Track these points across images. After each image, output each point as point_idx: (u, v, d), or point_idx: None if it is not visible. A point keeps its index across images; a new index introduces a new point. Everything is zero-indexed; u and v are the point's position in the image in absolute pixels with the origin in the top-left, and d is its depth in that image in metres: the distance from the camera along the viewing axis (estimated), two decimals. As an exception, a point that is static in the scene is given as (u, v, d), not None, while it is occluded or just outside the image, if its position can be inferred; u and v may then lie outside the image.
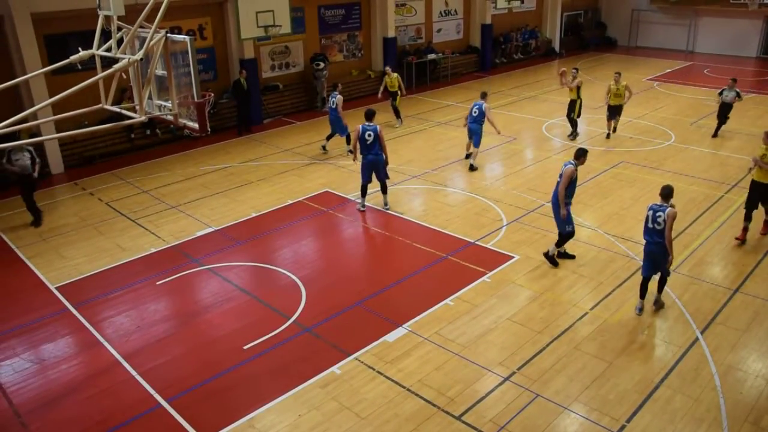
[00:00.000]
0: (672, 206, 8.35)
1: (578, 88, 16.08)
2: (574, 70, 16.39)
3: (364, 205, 12.50)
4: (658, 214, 8.31)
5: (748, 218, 10.78)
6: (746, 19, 27.59)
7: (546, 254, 10.23)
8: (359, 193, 12.51)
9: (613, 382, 7.48)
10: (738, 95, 16.06)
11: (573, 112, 16.44)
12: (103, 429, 6.97)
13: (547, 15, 29.15)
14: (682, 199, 12.61)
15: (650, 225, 8.42)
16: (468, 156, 14.82)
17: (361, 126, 11.97)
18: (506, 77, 24.95)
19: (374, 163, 12.03)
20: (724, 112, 16.37)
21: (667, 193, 8.45)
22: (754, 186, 10.69)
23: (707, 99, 20.43)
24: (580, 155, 9.79)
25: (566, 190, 9.66)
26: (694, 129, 17.32)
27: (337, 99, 15.10)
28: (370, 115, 12.16)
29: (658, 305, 8.92)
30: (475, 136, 14.35)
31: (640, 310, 8.83)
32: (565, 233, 10.00)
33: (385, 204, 12.48)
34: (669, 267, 8.62)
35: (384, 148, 12.01)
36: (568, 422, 6.89)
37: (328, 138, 15.90)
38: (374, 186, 12.40)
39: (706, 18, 28.91)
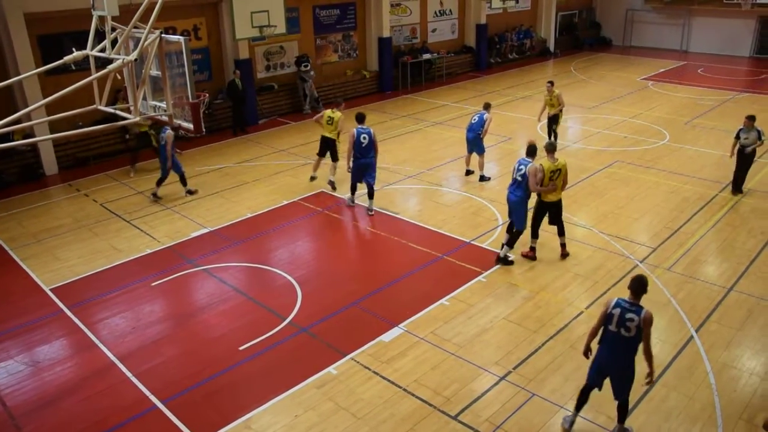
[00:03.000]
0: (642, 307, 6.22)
1: (559, 100, 15.40)
2: (548, 84, 15.68)
3: (353, 201, 12.64)
4: (628, 316, 6.14)
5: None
6: (740, 19, 27.70)
7: (499, 258, 10.21)
8: (350, 192, 12.63)
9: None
10: (760, 137, 12.22)
11: (555, 124, 15.64)
12: (99, 431, 6.95)
13: (541, 15, 29.18)
14: (676, 198, 12.67)
15: (614, 328, 6.23)
16: (469, 173, 14.05)
17: (355, 129, 11.83)
18: (501, 77, 24.99)
19: (367, 166, 11.98)
20: (743, 160, 12.48)
21: (638, 287, 6.23)
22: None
23: (701, 99, 20.51)
24: (534, 152, 10.03)
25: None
26: (688, 128, 17.37)
27: (166, 135, 12.48)
28: (361, 118, 12.06)
29: None
30: (476, 146, 13.60)
31: (571, 424, 6.76)
32: (522, 230, 10.11)
33: (369, 209, 12.32)
34: (648, 380, 6.34)
35: (377, 152, 12.02)
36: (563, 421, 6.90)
37: (159, 182, 13.10)
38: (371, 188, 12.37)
39: (700, 18, 29.00)
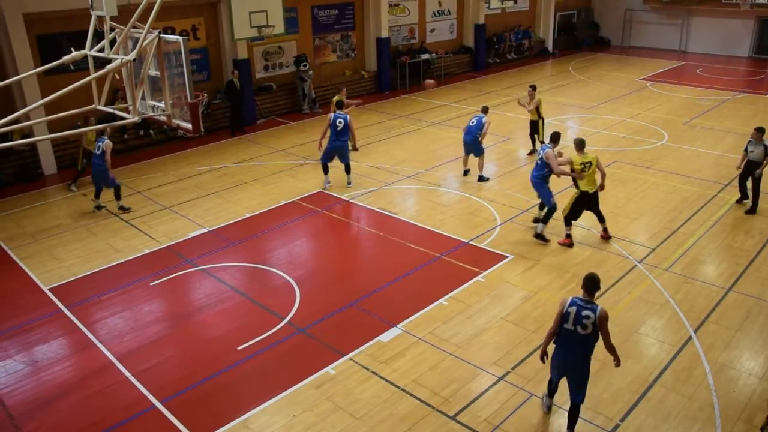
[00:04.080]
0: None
1: (537, 108, 14.91)
2: (530, 88, 15.08)
3: (329, 182, 13.67)
4: (584, 314, 6.22)
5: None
6: (738, 19, 27.72)
7: (536, 234, 11.01)
8: (323, 173, 13.65)
9: (607, 381, 7.51)
10: (767, 153, 11.51)
11: (537, 133, 15.15)
12: (97, 430, 6.95)
13: (540, 15, 29.19)
14: (675, 198, 12.68)
15: (570, 326, 6.29)
16: (466, 172, 14.08)
17: (332, 114, 13.12)
18: (499, 77, 24.99)
19: (340, 148, 13.24)
20: (749, 171, 11.81)
21: (591, 285, 6.36)
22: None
23: (700, 99, 20.52)
24: (557, 138, 11.13)
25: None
26: (687, 128, 17.38)
27: (104, 144, 12.18)
28: (340, 105, 13.50)
29: None
30: (474, 148, 13.61)
31: (549, 408, 7.05)
32: (553, 206, 10.91)
33: (348, 183, 13.63)
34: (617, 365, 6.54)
35: (353, 136, 13.59)
36: (562, 422, 6.90)
37: (97, 195, 12.70)
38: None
39: (698, 18, 29.02)
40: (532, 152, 15.24)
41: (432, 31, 24.99)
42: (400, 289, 9.69)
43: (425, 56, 23.68)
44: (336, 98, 14.03)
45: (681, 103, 20.13)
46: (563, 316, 6.32)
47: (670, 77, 24.24)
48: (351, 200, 12.97)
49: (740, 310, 8.92)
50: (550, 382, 6.91)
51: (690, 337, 8.32)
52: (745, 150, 11.85)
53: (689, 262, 10.26)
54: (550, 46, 29.43)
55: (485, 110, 13.73)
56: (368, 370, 7.81)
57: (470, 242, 11.05)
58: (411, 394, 7.36)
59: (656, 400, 7.20)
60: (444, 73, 24.68)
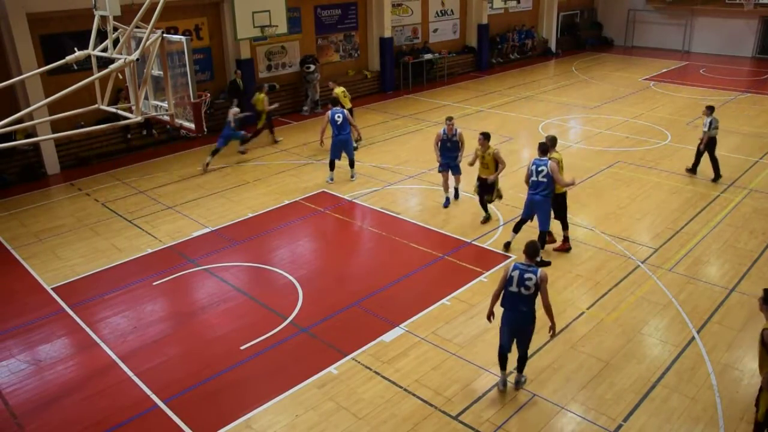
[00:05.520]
0: (542, 265, 7.04)
1: (496, 162, 11.05)
2: (481, 136, 11.18)
3: (332, 178, 13.84)
4: (527, 276, 6.88)
5: None
6: (742, 19, 27.65)
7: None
8: (329, 169, 13.91)
9: (610, 382, 7.50)
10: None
11: (489, 194, 11.46)
12: (100, 430, 6.96)
13: (543, 15, 29.17)
14: (678, 198, 12.65)
15: (514, 288, 6.94)
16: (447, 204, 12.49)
17: (329, 111, 13.46)
18: (503, 77, 24.97)
19: (344, 142, 13.50)
20: (713, 147, 13.40)
21: (532, 251, 7.07)
22: None
23: (703, 99, 20.47)
24: (546, 150, 9.98)
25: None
26: (690, 129, 17.33)
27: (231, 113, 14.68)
28: (335, 102, 14.19)
29: (520, 385, 7.44)
30: (453, 168, 12.18)
31: (504, 384, 7.40)
32: (547, 230, 10.26)
33: (352, 176, 13.94)
34: (551, 335, 7.11)
35: (354, 127, 13.94)
36: (565, 422, 6.90)
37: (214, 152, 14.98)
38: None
39: (702, 18, 28.96)
40: (486, 220, 11.78)
41: (435, 31, 24.99)
42: (403, 289, 9.69)
43: (428, 56, 23.68)
44: (342, 92, 15.53)
45: (684, 104, 20.09)
46: (508, 280, 6.98)
47: (673, 77, 24.20)
48: (354, 200, 12.97)
49: (743, 310, 8.90)
50: (501, 348, 7.28)
51: (693, 338, 8.31)
52: (710, 128, 13.21)
53: (692, 262, 10.24)
54: (553, 46, 29.40)
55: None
56: (371, 370, 7.81)
57: (473, 242, 11.04)
58: (414, 394, 7.36)
59: (659, 401, 7.19)
60: (447, 73, 24.68)
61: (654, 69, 25.69)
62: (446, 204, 12.53)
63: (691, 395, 7.26)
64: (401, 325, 8.65)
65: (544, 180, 9.81)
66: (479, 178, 11.31)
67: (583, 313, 8.90)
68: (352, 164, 13.94)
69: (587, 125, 17.97)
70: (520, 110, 19.76)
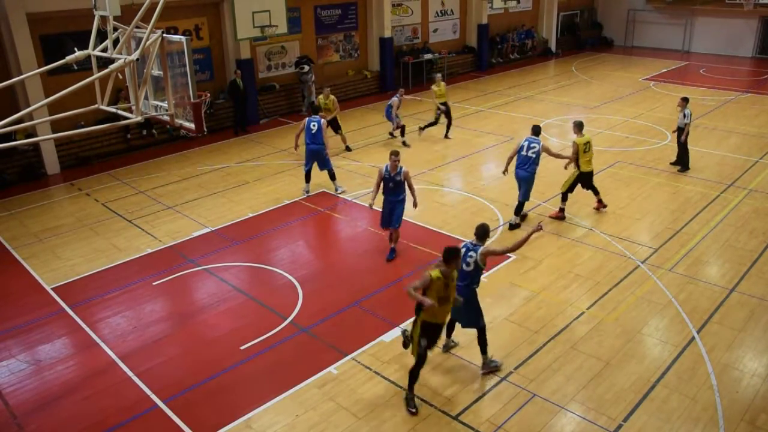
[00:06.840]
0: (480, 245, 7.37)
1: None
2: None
3: (308, 191, 13.29)
4: (470, 254, 7.37)
5: None
6: (742, 19, 27.66)
7: (511, 225, 11.49)
8: (305, 181, 13.44)
9: (610, 382, 7.50)
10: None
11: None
12: (100, 430, 6.96)
13: (543, 15, 29.18)
14: (678, 198, 12.65)
15: (465, 267, 7.40)
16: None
17: (307, 119, 12.97)
18: (503, 77, 24.97)
19: (317, 153, 12.86)
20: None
21: (482, 233, 7.48)
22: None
23: (703, 99, 20.48)
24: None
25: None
26: (690, 128, 17.30)
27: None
28: (316, 110, 13.83)
29: (487, 369, 7.67)
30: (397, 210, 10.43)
31: (446, 347, 8.09)
32: (526, 200, 11.37)
33: (336, 189, 13.35)
34: (480, 323, 7.63)
35: (326, 144, 12.84)
36: (564, 422, 6.90)
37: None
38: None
39: (702, 18, 28.97)
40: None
41: (435, 31, 24.99)
42: (403, 289, 9.67)
43: (428, 56, 23.68)
44: (321, 99, 15.33)
45: (684, 103, 20.04)
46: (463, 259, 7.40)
47: (673, 77, 24.20)
48: (354, 200, 12.97)
49: (743, 310, 8.90)
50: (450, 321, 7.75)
51: (693, 338, 8.31)
52: (689, 119, 13.75)
53: (692, 262, 10.24)
54: (553, 46, 29.41)
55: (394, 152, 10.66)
56: (371, 370, 7.81)
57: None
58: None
59: (659, 401, 7.19)
60: (447, 73, 24.66)
61: (654, 69, 25.69)
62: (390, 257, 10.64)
63: (691, 395, 7.26)
64: (401, 325, 8.65)
65: (533, 156, 10.94)
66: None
67: (583, 313, 8.90)
68: (332, 177, 13.22)
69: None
70: (520, 110, 19.76)
